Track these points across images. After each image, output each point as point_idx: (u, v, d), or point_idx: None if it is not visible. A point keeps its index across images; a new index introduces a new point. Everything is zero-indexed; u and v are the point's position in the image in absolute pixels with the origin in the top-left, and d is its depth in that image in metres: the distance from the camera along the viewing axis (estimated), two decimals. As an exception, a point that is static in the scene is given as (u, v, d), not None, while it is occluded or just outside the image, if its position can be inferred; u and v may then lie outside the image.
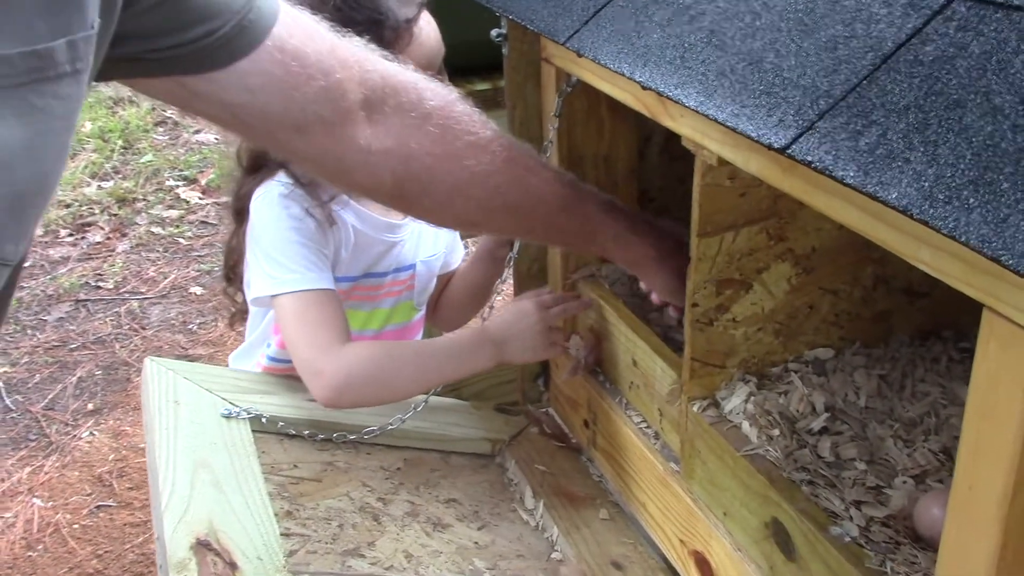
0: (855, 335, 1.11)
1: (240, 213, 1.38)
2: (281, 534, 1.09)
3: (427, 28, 1.28)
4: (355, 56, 0.91)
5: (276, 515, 1.12)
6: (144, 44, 0.75)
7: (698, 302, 1.00)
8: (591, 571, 1.15)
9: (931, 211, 0.59)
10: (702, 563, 1.07)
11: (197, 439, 1.19)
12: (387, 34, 1.23)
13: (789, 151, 0.70)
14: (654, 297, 1.23)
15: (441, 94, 0.96)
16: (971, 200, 0.58)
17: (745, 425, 1.00)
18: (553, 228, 1.11)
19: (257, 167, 1.35)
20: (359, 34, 1.23)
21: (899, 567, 0.83)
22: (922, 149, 0.63)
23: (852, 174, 0.65)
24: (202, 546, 1.02)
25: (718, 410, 1.04)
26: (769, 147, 0.72)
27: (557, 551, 1.20)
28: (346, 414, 1.30)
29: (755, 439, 0.99)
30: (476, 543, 1.20)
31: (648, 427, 1.19)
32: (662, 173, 1.37)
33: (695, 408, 1.05)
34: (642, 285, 1.26)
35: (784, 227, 1.01)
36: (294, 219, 1.29)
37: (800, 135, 0.70)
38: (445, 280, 1.56)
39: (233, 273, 1.50)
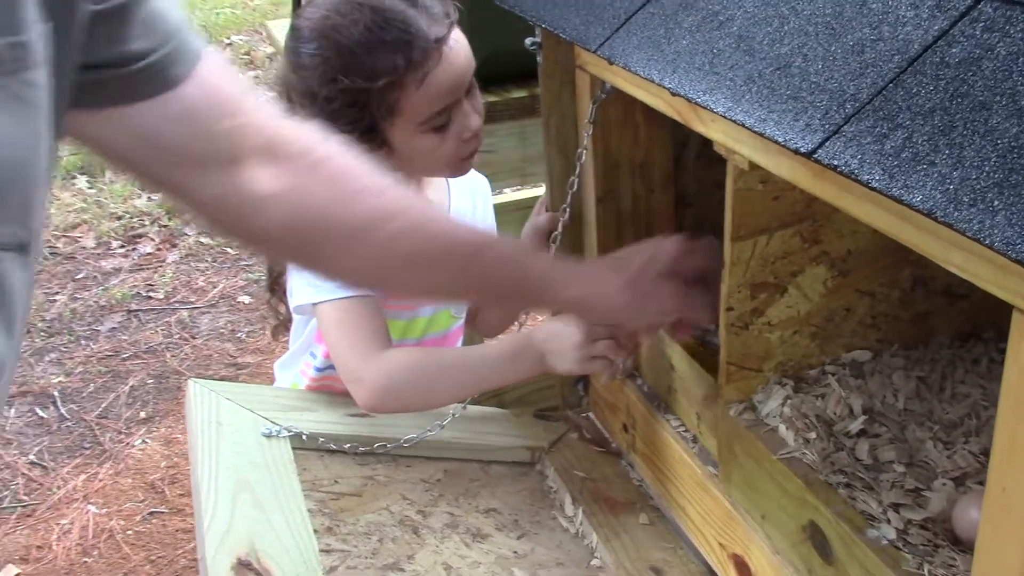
0: (893, 337, 1.10)
1: None
2: (321, 550, 1.11)
3: (456, 47, 1.29)
4: (258, 104, 0.91)
5: (317, 531, 1.14)
6: (93, 62, 0.75)
7: (733, 306, 1.00)
8: (631, 576, 1.16)
9: (956, 214, 0.59)
10: (741, 566, 1.08)
11: (238, 459, 1.22)
12: (416, 54, 1.24)
13: (815, 156, 0.70)
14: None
15: (332, 145, 0.94)
16: (996, 202, 0.58)
17: (782, 428, 1.01)
18: (469, 278, 1.03)
19: None
20: (390, 53, 1.25)
21: (936, 569, 0.83)
22: (947, 152, 0.63)
23: (878, 177, 0.65)
24: (243, 566, 1.05)
25: (755, 413, 1.04)
26: (796, 152, 0.72)
27: (597, 558, 1.21)
28: (385, 427, 1.32)
29: (792, 442, 0.99)
30: (515, 552, 1.21)
31: (686, 431, 1.19)
32: (699, 179, 1.38)
33: (732, 412, 1.05)
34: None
35: (818, 230, 1.01)
36: None
37: (826, 139, 0.71)
38: None
39: (277, 284, 1.53)
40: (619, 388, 1.33)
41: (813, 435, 0.99)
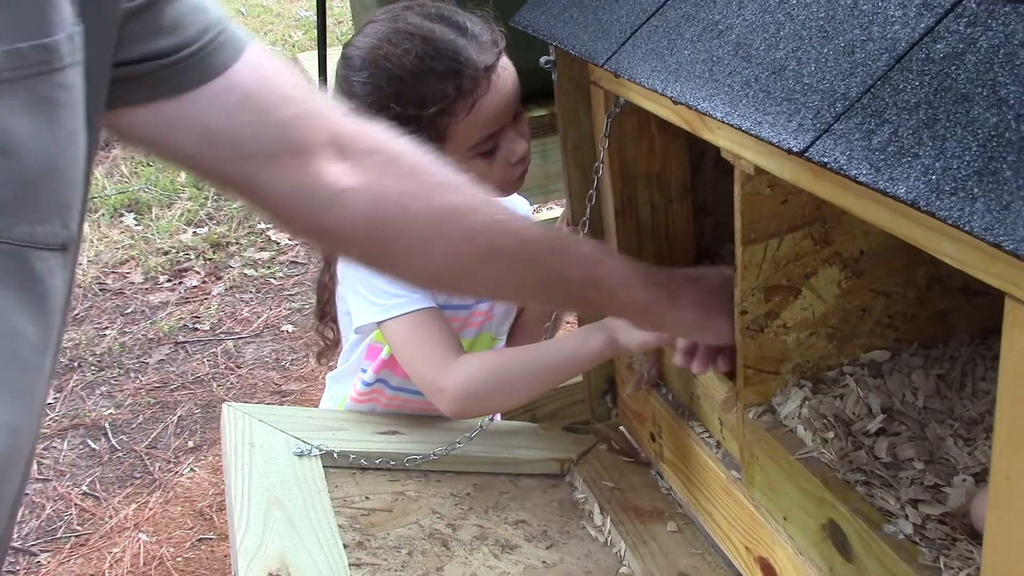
0: (912, 336, 1.11)
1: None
2: (352, 564, 1.13)
3: (504, 74, 1.32)
4: (320, 96, 0.91)
5: (347, 546, 1.17)
6: (129, 58, 0.76)
7: (747, 309, 1.02)
8: (659, 582, 1.17)
9: (937, 203, 0.60)
10: (767, 568, 1.08)
11: (271, 478, 1.25)
12: (466, 82, 1.27)
13: (807, 154, 0.72)
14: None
15: (401, 142, 0.94)
16: (975, 190, 0.59)
17: (800, 429, 1.01)
18: (543, 275, 1.01)
19: None
20: (440, 81, 1.28)
21: (953, 562, 0.83)
22: (931, 144, 0.64)
23: (865, 172, 0.67)
24: None
25: (774, 416, 1.05)
26: (789, 151, 0.74)
27: (625, 565, 1.22)
28: (415, 443, 1.35)
29: (810, 442, 0.99)
30: (544, 562, 1.22)
31: (710, 437, 1.20)
32: (717, 188, 1.39)
33: (751, 415, 1.06)
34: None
35: (829, 232, 1.02)
36: None
37: (817, 138, 0.72)
38: (517, 307, 1.60)
39: (325, 310, 1.56)
40: (645, 398, 1.34)
41: (831, 435, 1.00)
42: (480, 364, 1.30)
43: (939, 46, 0.69)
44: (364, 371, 1.49)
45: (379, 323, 1.34)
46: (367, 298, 1.34)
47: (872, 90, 0.71)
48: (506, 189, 1.39)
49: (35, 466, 2.74)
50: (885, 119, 0.68)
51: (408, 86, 1.27)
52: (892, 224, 0.75)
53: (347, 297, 1.40)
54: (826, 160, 0.70)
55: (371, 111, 1.28)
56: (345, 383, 1.55)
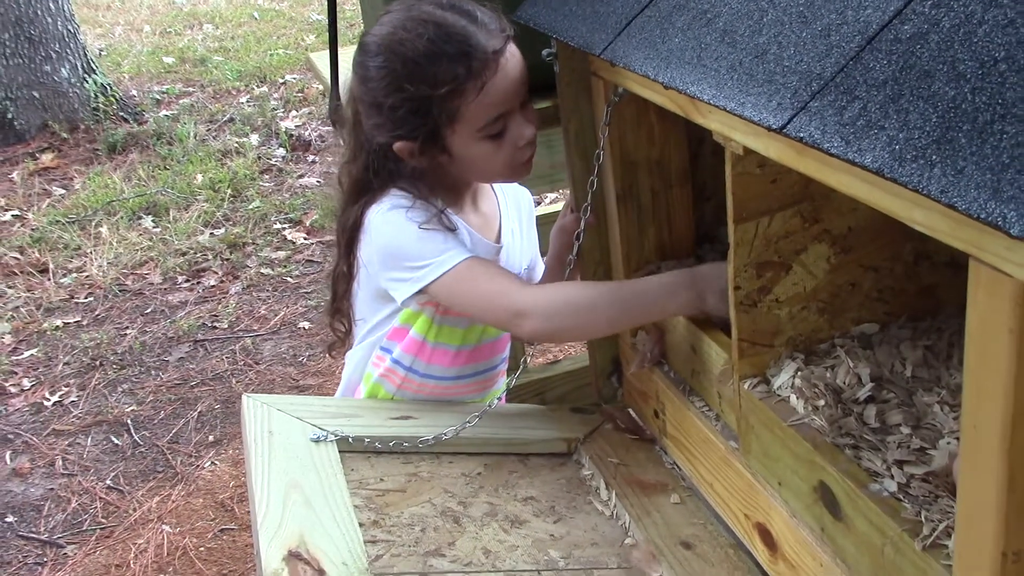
0: (901, 310, 1.15)
1: (350, 239, 1.46)
2: (367, 541, 1.19)
3: (512, 59, 1.37)
4: None
5: (363, 524, 1.22)
6: None
7: (740, 284, 1.06)
8: (660, 552, 1.21)
9: (900, 169, 0.65)
10: (764, 534, 1.13)
11: (289, 463, 1.30)
12: (475, 65, 1.33)
13: (785, 130, 0.77)
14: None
15: None
16: (934, 157, 0.64)
17: (793, 398, 1.06)
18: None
19: (360, 192, 1.44)
20: (451, 64, 1.33)
21: (934, 515, 0.88)
22: (895, 117, 0.69)
23: (836, 144, 0.72)
24: (293, 557, 1.12)
25: (768, 387, 1.10)
26: (768, 129, 0.79)
27: (630, 537, 1.27)
28: (427, 427, 1.40)
29: (801, 410, 1.04)
30: (552, 535, 1.27)
31: (709, 410, 1.25)
32: (716, 173, 1.44)
33: (747, 386, 1.11)
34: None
35: (818, 210, 1.07)
36: (424, 221, 1.37)
37: (794, 115, 0.77)
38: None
39: (340, 306, 1.60)
40: (649, 377, 1.39)
41: (822, 403, 1.04)
42: (562, 289, 1.34)
43: (906, 27, 0.74)
44: (389, 351, 1.52)
45: (433, 281, 1.35)
46: (409, 268, 1.37)
47: (845, 70, 0.76)
48: (515, 172, 1.44)
49: (60, 461, 2.81)
50: (856, 96, 0.73)
51: (421, 68, 1.33)
52: (869, 196, 0.80)
53: (381, 281, 1.43)
54: (802, 135, 0.75)
55: (385, 93, 1.34)
56: (364, 358, 1.58)
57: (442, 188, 1.44)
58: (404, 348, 1.49)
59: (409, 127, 1.34)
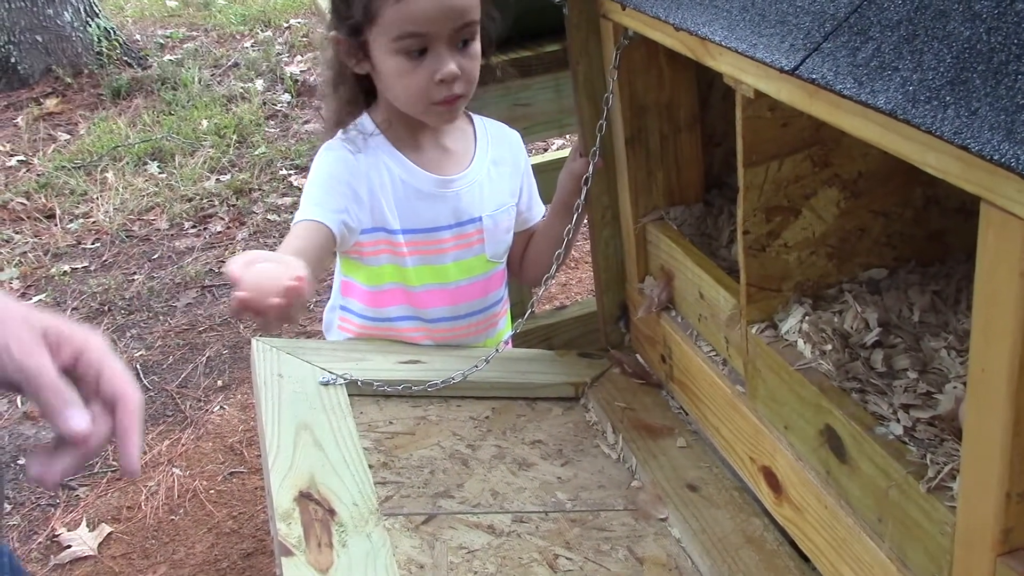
0: (910, 255, 1.15)
1: None
2: (377, 483, 1.20)
3: None
4: None
5: (372, 466, 1.23)
6: None
7: (749, 229, 1.06)
8: (666, 494, 1.23)
9: (913, 111, 0.65)
10: (769, 476, 1.14)
11: (299, 406, 1.31)
12: None
13: (797, 72, 0.77)
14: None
15: None
16: (948, 98, 0.63)
17: (800, 343, 1.06)
18: None
19: (333, 130, 1.52)
20: None
21: (939, 458, 0.88)
22: (910, 58, 0.68)
23: (849, 86, 0.71)
24: (304, 497, 1.14)
25: (776, 331, 1.10)
26: (780, 70, 0.78)
27: (636, 479, 1.28)
28: (436, 371, 1.41)
29: (808, 354, 1.04)
30: (559, 478, 1.28)
31: (716, 355, 1.25)
32: (726, 118, 1.42)
33: (754, 331, 1.11)
34: None
35: (828, 154, 1.06)
36: (324, 163, 1.47)
37: (807, 57, 0.77)
38: (527, 237, 1.63)
39: None
40: (656, 322, 1.39)
41: (830, 347, 1.05)
42: None
43: (922, -34, 0.73)
44: (347, 309, 1.61)
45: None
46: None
47: (859, 10, 0.76)
48: (430, 108, 1.42)
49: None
50: (869, 36, 0.73)
51: None
52: (881, 139, 0.79)
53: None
54: (815, 77, 0.75)
55: None
56: (333, 316, 1.65)
57: (401, 124, 1.48)
58: (342, 288, 1.59)
59: (339, 16, 1.40)
